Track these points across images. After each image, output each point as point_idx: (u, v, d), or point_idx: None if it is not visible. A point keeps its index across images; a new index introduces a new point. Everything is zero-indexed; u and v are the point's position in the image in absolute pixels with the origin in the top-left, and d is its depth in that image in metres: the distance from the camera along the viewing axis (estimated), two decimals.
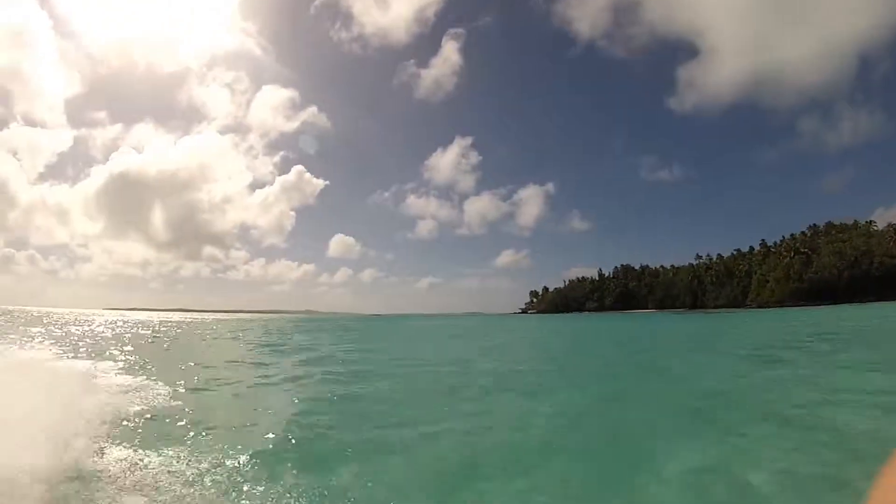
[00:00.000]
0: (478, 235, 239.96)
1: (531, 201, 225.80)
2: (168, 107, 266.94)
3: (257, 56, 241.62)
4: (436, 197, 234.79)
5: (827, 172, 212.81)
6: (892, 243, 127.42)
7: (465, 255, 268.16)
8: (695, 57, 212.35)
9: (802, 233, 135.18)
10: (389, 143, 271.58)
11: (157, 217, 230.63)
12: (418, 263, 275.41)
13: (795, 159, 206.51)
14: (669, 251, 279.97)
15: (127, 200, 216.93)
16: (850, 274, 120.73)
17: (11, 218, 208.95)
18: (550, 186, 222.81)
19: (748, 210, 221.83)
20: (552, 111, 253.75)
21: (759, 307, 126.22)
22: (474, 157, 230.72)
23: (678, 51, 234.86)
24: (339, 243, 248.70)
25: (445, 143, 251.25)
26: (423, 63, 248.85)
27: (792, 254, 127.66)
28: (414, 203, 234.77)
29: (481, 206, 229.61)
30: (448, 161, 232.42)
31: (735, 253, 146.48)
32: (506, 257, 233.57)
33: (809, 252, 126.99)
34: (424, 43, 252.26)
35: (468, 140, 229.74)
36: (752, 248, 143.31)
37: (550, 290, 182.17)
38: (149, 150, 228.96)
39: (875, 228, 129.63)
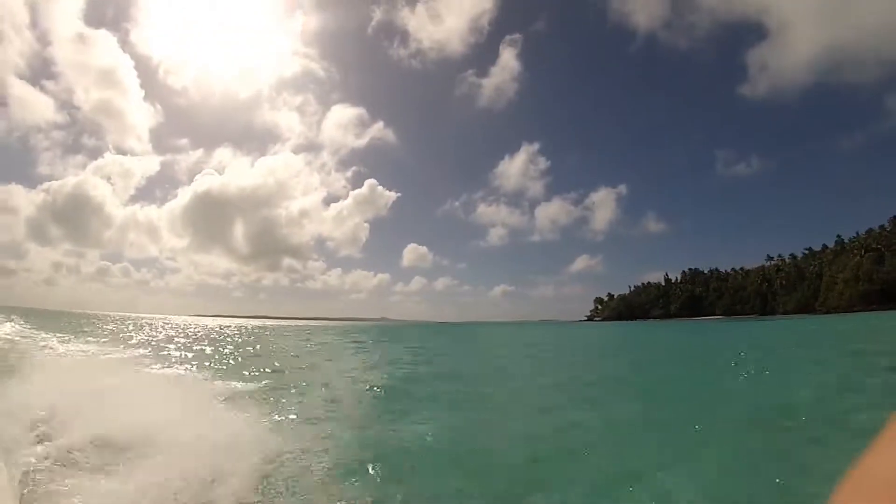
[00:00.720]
0: (550, 241, 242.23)
1: (603, 205, 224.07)
2: (244, 131, 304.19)
3: (321, 78, 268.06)
4: (506, 204, 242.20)
5: None
6: None
7: (538, 262, 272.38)
8: (764, 38, 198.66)
9: (882, 227, 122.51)
10: (456, 153, 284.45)
11: (239, 232, 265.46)
12: (491, 271, 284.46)
13: (884, 142, 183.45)
14: (750, 250, 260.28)
15: (210, 217, 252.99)
16: None
17: (107, 235, 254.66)
18: (623, 188, 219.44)
19: (834, 202, 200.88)
20: (619, 110, 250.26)
21: (827, 312, 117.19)
22: (542, 163, 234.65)
23: (745, 33, 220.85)
24: (412, 253, 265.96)
25: (512, 150, 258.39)
26: (483, 72, 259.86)
27: (863, 251, 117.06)
28: (484, 211, 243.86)
29: (552, 212, 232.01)
30: (516, 168, 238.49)
31: (806, 252, 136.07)
32: (580, 263, 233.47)
33: (883, 249, 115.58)
34: (482, 52, 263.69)
35: (535, 146, 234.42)
36: (825, 246, 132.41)
37: (615, 296, 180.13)
38: (229, 172, 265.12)
39: None
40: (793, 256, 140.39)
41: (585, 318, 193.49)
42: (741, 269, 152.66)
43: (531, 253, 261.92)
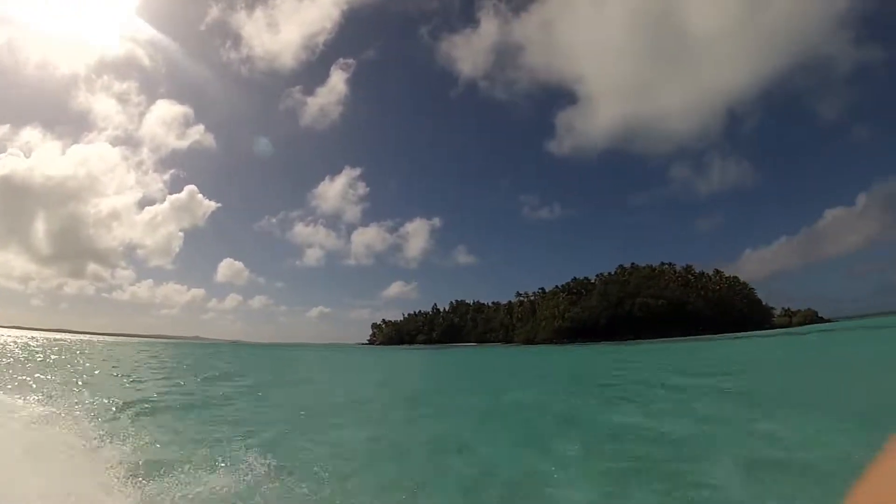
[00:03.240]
0: (365, 266, 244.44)
1: (418, 234, 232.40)
2: (58, 111, 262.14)
3: (147, 67, 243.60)
4: (323, 226, 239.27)
5: (698, 216, 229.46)
6: (670, 283, 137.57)
7: (355, 286, 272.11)
8: (574, 103, 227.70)
9: (612, 272, 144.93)
10: (277, 168, 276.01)
11: (41, 227, 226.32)
12: (308, 292, 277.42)
13: (667, 204, 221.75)
14: (548, 285, 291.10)
15: (10, 206, 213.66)
16: (610, 314, 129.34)
17: None
18: (437, 220, 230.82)
19: (625, 248, 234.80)
20: (438, 147, 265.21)
21: (536, 343, 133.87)
22: (362, 188, 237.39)
23: (558, 96, 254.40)
24: (228, 268, 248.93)
25: (333, 172, 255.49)
26: (310, 91, 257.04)
27: (565, 294, 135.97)
28: (301, 231, 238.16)
29: (368, 238, 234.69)
30: (336, 190, 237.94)
31: (539, 291, 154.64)
32: (395, 289, 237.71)
33: (583, 292, 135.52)
34: (312, 70, 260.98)
35: (357, 171, 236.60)
36: (557, 287, 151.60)
37: (389, 322, 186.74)
38: (36, 155, 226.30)
39: (672, 269, 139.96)
40: (536, 293, 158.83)
41: (367, 342, 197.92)
42: (493, 303, 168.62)
43: (347, 276, 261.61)
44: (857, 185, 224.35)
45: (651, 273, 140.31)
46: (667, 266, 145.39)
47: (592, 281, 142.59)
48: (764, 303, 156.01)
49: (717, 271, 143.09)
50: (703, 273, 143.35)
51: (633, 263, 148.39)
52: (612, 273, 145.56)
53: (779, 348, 44.64)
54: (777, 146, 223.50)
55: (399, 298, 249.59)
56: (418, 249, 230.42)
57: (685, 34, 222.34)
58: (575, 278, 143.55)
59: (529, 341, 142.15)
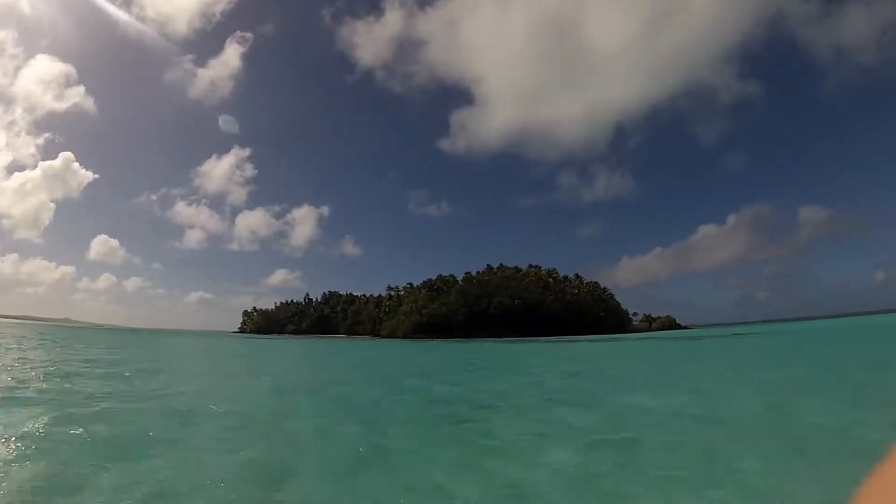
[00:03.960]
0: (249, 252, 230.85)
1: (305, 222, 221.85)
2: None
3: (27, 16, 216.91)
4: (207, 206, 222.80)
5: (581, 223, 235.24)
6: (531, 285, 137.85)
7: (237, 272, 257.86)
8: (470, 103, 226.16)
9: (480, 271, 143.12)
10: (162, 141, 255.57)
11: None
12: (188, 276, 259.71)
13: (553, 208, 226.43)
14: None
15: None
16: (467, 312, 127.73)
17: None
18: (325, 209, 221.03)
19: (510, 249, 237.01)
20: (330, 134, 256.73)
21: (396, 337, 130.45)
22: (250, 170, 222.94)
23: (455, 94, 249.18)
24: (102, 245, 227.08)
25: (221, 150, 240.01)
26: (202, 62, 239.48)
27: (426, 290, 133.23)
28: (183, 210, 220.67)
29: (254, 222, 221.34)
30: (222, 170, 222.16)
31: (408, 286, 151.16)
32: (279, 276, 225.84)
33: (444, 289, 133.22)
34: (206, 40, 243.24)
35: (245, 151, 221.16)
36: (427, 281, 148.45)
37: (260, 310, 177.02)
38: None
39: (536, 271, 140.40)
40: (404, 288, 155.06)
41: (238, 330, 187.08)
42: (363, 295, 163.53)
43: (230, 261, 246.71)
44: (728, 206, 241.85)
45: (515, 274, 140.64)
46: (533, 268, 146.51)
47: (459, 279, 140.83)
48: (624, 308, 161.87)
49: (578, 276, 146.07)
50: (567, 277, 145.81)
51: (501, 264, 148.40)
52: (480, 272, 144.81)
53: (606, 350, 44.38)
54: (659, 163, 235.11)
55: (283, 287, 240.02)
56: (304, 237, 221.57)
57: (584, 48, 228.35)
58: (440, 275, 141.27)
59: (392, 335, 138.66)
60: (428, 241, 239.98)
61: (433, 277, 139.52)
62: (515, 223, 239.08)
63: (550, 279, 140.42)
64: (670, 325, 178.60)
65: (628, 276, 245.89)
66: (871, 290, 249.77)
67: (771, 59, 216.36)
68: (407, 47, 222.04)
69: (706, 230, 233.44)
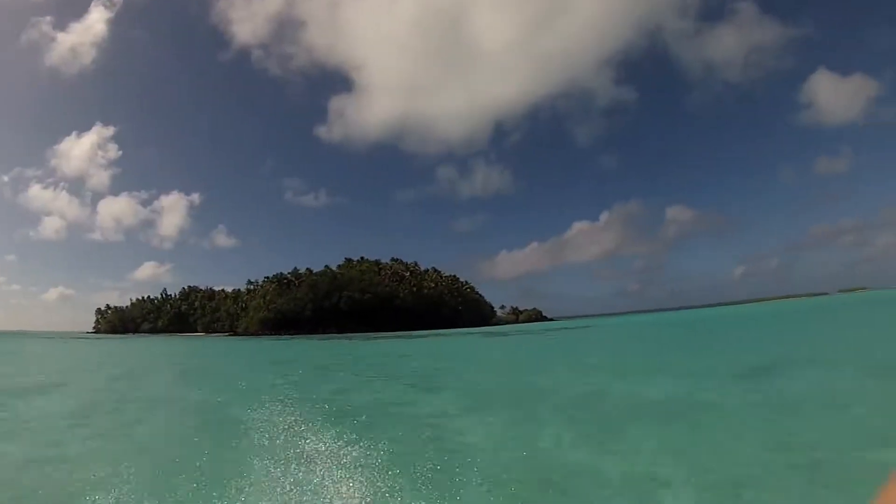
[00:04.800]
0: (114, 243, 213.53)
1: (174, 210, 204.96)
2: None
3: None
4: (65, 191, 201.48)
5: (460, 216, 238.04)
6: (386, 279, 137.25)
7: (101, 265, 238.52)
8: (349, 90, 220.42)
9: (340, 265, 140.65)
10: (12, 113, 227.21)
11: None
12: (46, 269, 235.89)
13: (432, 201, 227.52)
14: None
15: None
16: (316, 307, 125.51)
17: None
18: (196, 197, 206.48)
19: (389, 242, 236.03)
20: (202, 115, 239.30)
21: (247, 335, 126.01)
22: (114, 151, 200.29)
23: (335, 80, 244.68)
24: None
25: (81, 128, 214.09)
26: (62, 25, 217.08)
27: (276, 284, 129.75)
28: (39, 195, 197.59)
29: (118, 209, 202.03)
30: (83, 150, 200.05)
31: (266, 280, 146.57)
32: (147, 270, 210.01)
33: (295, 283, 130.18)
34: (68, 1, 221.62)
35: (109, 130, 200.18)
36: (277, 275, 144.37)
37: (114, 308, 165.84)
38: None
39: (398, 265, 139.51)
40: (263, 282, 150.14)
41: (92, 330, 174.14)
42: (222, 290, 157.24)
43: (93, 253, 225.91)
44: (601, 204, 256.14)
45: (372, 268, 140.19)
46: (395, 262, 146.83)
47: (314, 273, 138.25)
48: (487, 301, 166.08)
49: (435, 269, 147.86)
50: (426, 271, 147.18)
51: (362, 257, 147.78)
52: (340, 265, 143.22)
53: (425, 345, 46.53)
54: (536, 161, 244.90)
55: (152, 281, 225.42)
56: (174, 227, 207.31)
57: (468, 43, 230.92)
58: (296, 269, 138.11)
59: (247, 332, 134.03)
60: (306, 232, 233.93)
61: (283, 272, 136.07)
62: (395, 216, 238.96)
63: (407, 272, 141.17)
64: (537, 317, 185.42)
65: (507, 270, 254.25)
66: (731, 284, 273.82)
67: (646, 68, 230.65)
68: (286, 27, 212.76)
69: (580, 226, 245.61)
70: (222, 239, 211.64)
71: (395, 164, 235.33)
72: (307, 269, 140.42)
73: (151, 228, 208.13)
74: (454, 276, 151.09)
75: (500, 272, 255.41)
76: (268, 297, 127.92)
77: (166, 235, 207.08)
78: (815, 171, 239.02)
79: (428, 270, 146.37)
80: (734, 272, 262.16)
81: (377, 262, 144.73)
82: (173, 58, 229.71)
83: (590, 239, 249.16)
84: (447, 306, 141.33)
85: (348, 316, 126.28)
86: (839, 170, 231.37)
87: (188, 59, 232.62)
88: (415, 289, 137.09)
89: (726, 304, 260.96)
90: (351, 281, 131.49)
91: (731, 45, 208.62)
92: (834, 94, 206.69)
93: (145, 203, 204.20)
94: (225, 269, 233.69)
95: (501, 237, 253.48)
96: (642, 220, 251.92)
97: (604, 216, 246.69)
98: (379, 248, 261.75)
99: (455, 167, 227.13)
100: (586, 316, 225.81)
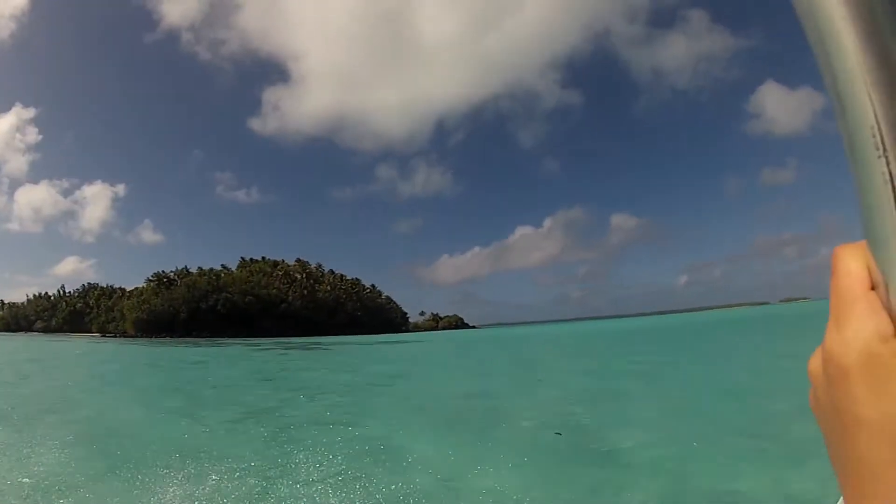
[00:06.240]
0: (32, 234, 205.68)
1: (98, 201, 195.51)
2: None
3: None
4: None
5: (399, 218, 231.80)
6: (276, 281, 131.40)
7: (18, 258, 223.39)
8: (285, 81, 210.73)
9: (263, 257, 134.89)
10: None
11: None
12: None
13: (370, 201, 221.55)
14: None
15: None
16: (193, 308, 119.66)
17: None
18: (122, 188, 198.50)
19: (324, 242, 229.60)
20: (128, 100, 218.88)
21: (126, 336, 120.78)
22: (33, 135, 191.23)
23: (269, 70, 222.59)
24: None
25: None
26: None
27: (155, 282, 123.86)
28: None
29: (37, 198, 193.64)
30: (0, 132, 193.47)
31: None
32: (69, 265, 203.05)
33: (178, 282, 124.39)
34: None
35: (30, 112, 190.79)
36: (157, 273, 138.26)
37: (7, 304, 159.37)
38: None
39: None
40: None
41: None
42: (120, 287, 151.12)
43: (8, 245, 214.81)
44: (544, 210, 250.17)
45: (265, 268, 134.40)
46: (298, 263, 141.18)
47: (195, 273, 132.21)
48: (400, 307, 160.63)
49: (332, 272, 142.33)
50: (323, 273, 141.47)
51: (264, 257, 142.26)
52: (238, 265, 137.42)
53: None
54: (479, 163, 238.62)
55: (74, 277, 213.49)
56: (97, 220, 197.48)
57: (413, 38, 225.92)
58: (186, 268, 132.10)
59: (122, 333, 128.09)
60: (237, 230, 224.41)
61: (166, 271, 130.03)
62: (330, 215, 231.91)
63: (303, 274, 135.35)
64: (457, 324, 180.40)
65: (448, 275, 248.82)
66: (675, 292, 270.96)
67: (594, 72, 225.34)
68: (219, 8, 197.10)
69: (524, 231, 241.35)
70: (148, 234, 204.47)
71: (332, 160, 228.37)
72: (199, 268, 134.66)
73: (73, 220, 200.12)
74: (356, 279, 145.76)
75: (440, 277, 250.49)
76: (143, 297, 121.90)
77: (88, 228, 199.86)
78: (760, 182, 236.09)
79: (325, 273, 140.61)
80: (678, 281, 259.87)
81: (275, 263, 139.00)
82: (99, 35, 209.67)
83: (533, 245, 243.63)
84: (344, 312, 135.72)
85: (226, 319, 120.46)
86: (784, 181, 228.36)
87: (114, 37, 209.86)
88: (306, 292, 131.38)
89: (670, 312, 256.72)
90: (234, 282, 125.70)
91: (681, 52, 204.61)
92: (782, 106, 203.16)
93: (66, 192, 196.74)
94: (152, 267, 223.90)
95: (442, 241, 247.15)
96: (586, 226, 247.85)
97: (547, 222, 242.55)
98: (313, 249, 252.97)
99: (395, 166, 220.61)
100: (524, 323, 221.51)
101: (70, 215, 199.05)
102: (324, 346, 58.70)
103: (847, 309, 0.29)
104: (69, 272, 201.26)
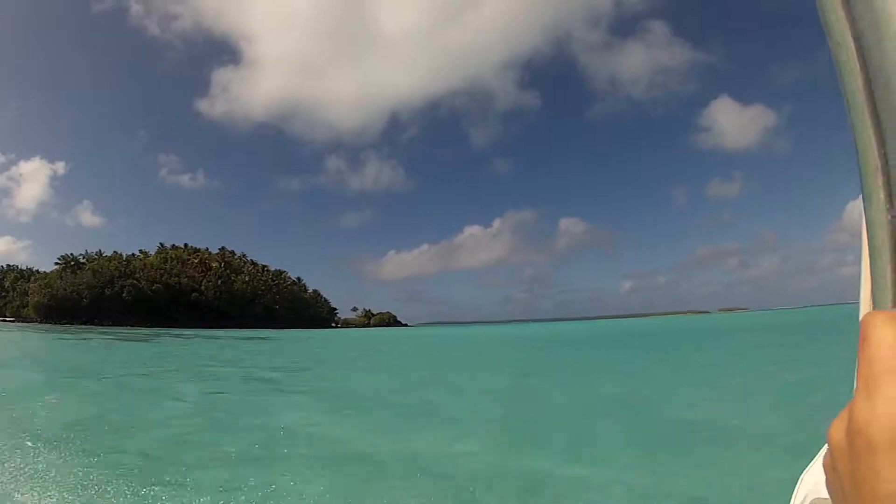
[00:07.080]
0: None
1: (35, 179, 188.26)
2: None
3: None
4: None
5: (347, 211, 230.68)
6: (190, 269, 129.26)
7: None
8: (236, 63, 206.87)
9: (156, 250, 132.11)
10: None
11: None
12: None
13: (318, 192, 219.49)
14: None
15: None
16: (96, 294, 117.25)
17: None
18: (61, 166, 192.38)
19: (269, 231, 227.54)
20: (72, 71, 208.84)
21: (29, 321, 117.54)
22: None
23: (221, 50, 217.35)
24: None
25: None
26: None
27: (61, 266, 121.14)
28: None
29: None
30: None
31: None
32: (1, 246, 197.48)
33: (86, 266, 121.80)
34: None
35: None
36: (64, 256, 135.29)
37: None
38: None
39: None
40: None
41: None
42: (37, 270, 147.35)
43: None
44: (494, 210, 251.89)
45: (182, 255, 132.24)
46: (220, 252, 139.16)
47: (104, 257, 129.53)
48: (328, 302, 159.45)
49: (254, 263, 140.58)
50: (245, 264, 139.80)
51: (186, 244, 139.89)
52: (156, 251, 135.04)
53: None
54: (431, 159, 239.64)
55: (7, 259, 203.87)
56: (34, 199, 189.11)
57: (369, 26, 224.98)
58: (100, 251, 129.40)
59: (24, 318, 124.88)
60: (181, 215, 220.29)
61: (73, 253, 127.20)
62: (277, 204, 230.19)
63: (221, 263, 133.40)
64: (390, 321, 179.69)
65: (394, 271, 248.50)
66: (619, 297, 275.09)
67: (551, 75, 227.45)
68: None
69: (472, 231, 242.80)
70: (87, 217, 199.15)
71: (280, 148, 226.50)
72: (114, 251, 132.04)
73: (7, 198, 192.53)
74: (280, 271, 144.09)
75: (386, 273, 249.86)
76: (46, 281, 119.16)
77: (23, 207, 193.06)
78: (706, 194, 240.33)
79: (246, 264, 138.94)
80: (622, 286, 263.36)
81: (195, 251, 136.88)
82: (43, 1, 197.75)
83: (481, 245, 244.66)
84: (259, 303, 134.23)
85: (130, 307, 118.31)
86: (730, 193, 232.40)
87: (60, 4, 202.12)
88: (220, 282, 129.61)
89: (613, 317, 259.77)
90: (144, 268, 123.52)
91: (639, 62, 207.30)
92: (733, 121, 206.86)
93: (2, 168, 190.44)
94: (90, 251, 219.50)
95: (390, 236, 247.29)
96: (535, 229, 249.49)
97: (496, 222, 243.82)
98: (254, 239, 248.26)
99: (345, 158, 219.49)
100: (464, 323, 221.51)
101: (4, 192, 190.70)
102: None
103: (880, 380, 0.29)
104: (1, 253, 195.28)
